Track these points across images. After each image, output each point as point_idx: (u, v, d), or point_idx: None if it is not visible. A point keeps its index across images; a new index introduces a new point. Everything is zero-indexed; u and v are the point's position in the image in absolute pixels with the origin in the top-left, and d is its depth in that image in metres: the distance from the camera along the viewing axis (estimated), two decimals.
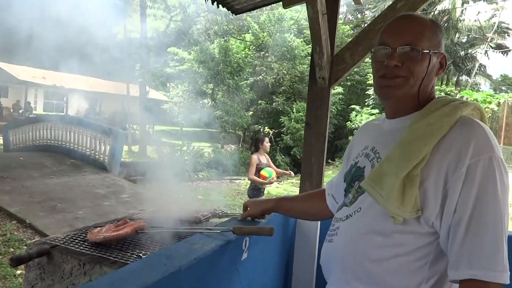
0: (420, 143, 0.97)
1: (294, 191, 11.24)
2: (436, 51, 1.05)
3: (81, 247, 1.72)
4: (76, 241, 1.81)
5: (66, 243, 1.76)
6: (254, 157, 5.53)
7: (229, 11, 3.47)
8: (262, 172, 5.45)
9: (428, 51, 1.03)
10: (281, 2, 2.61)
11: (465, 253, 0.90)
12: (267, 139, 5.81)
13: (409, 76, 1.04)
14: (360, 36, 2.18)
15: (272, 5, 4.06)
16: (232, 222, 1.86)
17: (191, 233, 1.84)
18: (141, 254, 1.69)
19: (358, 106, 18.89)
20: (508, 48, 23.28)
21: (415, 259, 0.97)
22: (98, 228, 1.84)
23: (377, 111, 21.42)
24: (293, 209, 1.62)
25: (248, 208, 1.68)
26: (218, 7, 3.31)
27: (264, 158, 5.68)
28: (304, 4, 2.03)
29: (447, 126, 0.96)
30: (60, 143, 10.43)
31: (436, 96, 1.10)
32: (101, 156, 9.39)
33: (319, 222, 2.24)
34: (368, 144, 1.18)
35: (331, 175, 16.43)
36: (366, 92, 21.85)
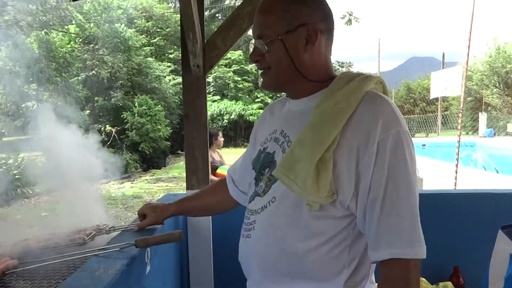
0: (330, 124, 0.93)
1: (151, 188, 10.81)
2: (292, 29, 0.98)
3: None
4: None
5: None
6: None
7: None
8: (220, 171, 4.76)
9: (276, 36, 0.99)
10: None
11: (383, 233, 0.89)
12: (220, 134, 5.15)
13: (270, 66, 1.03)
14: (230, 20, 2.14)
15: None
16: (127, 236, 1.64)
17: (80, 259, 1.55)
18: None
19: None
20: None
21: (334, 245, 0.96)
22: None
23: (218, 97, 22.21)
24: (196, 208, 1.50)
25: (147, 216, 1.50)
26: None
27: (217, 155, 5.05)
28: None
29: (354, 104, 0.94)
30: None
31: (340, 72, 1.09)
32: None
33: (210, 216, 2.17)
34: (276, 128, 1.12)
35: (183, 166, 16.33)
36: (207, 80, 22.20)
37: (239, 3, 1.96)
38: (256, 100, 21.59)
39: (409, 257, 0.88)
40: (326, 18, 1.03)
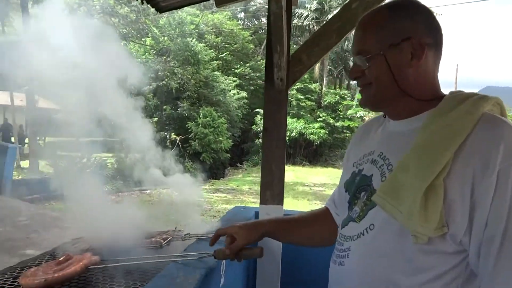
0: (440, 148, 0.84)
1: (210, 197, 11.00)
2: (395, 43, 0.92)
3: None
4: None
5: None
6: None
7: (153, 9, 3.19)
8: None
9: (378, 52, 0.93)
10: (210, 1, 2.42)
11: (500, 277, 0.79)
12: None
13: (370, 82, 0.97)
14: (317, 36, 2.10)
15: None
16: (203, 244, 1.63)
17: (155, 263, 1.56)
18: None
19: (262, 110, 19.41)
20: None
21: (444, 284, 0.85)
22: (32, 269, 1.45)
23: None
24: (291, 236, 1.31)
25: (236, 238, 1.24)
26: (142, 3, 3.03)
27: None
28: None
29: (469, 127, 0.84)
30: None
31: (450, 91, 0.99)
32: None
33: None
34: (374, 149, 1.04)
35: (241, 178, 16.58)
36: None
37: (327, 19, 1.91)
38: (318, 119, 21.38)
39: None
40: (433, 31, 0.95)
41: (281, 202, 2.08)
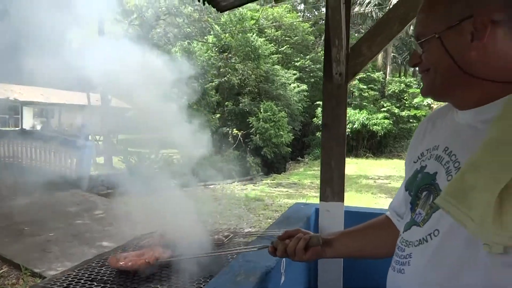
0: None
1: (272, 192, 11.08)
2: (453, 24, 0.84)
3: None
4: (82, 281, 1.53)
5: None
6: None
7: (214, 8, 3.26)
8: None
9: (432, 34, 0.86)
10: None
11: None
12: None
13: (429, 68, 0.89)
14: (378, 25, 2.02)
15: None
16: (264, 242, 1.65)
17: (220, 259, 1.61)
18: None
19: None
20: None
21: None
22: (124, 254, 1.59)
23: None
24: (349, 247, 1.23)
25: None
26: (204, 4, 3.11)
27: None
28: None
29: None
30: (19, 160, 9.70)
31: None
32: (68, 170, 8.81)
33: None
34: (439, 143, 0.93)
35: (302, 172, 16.48)
36: None
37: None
38: (382, 109, 20.55)
39: None
40: (507, 5, 0.82)
41: (341, 199, 2.04)
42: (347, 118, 2.13)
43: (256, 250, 1.37)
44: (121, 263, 1.51)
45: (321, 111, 2.15)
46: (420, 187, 0.94)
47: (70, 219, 6.53)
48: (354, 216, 2.06)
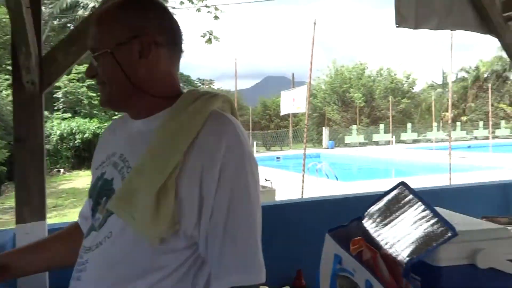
0: (171, 149, 0.86)
1: None
2: (123, 41, 0.92)
3: None
4: None
5: None
6: None
7: None
8: None
9: (105, 49, 0.92)
10: None
11: (224, 261, 0.85)
12: None
13: (104, 81, 0.96)
14: (73, 35, 1.97)
15: None
16: None
17: None
18: None
19: (47, 112, 17.27)
20: None
21: (177, 279, 0.88)
22: None
23: (69, 114, 20.27)
24: (35, 263, 1.16)
25: None
26: None
27: None
28: None
29: (199, 125, 0.88)
30: None
31: (187, 89, 1.02)
32: None
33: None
34: (116, 150, 1.01)
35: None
36: (54, 96, 20.36)
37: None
38: (114, 117, 20.35)
39: (250, 284, 0.86)
40: (167, 30, 0.97)
41: (43, 217, 1.87)
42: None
43: None
44: None
45: (13, 124, 1.92)
46: (100, 193, 0.99)
47: None
48: None
